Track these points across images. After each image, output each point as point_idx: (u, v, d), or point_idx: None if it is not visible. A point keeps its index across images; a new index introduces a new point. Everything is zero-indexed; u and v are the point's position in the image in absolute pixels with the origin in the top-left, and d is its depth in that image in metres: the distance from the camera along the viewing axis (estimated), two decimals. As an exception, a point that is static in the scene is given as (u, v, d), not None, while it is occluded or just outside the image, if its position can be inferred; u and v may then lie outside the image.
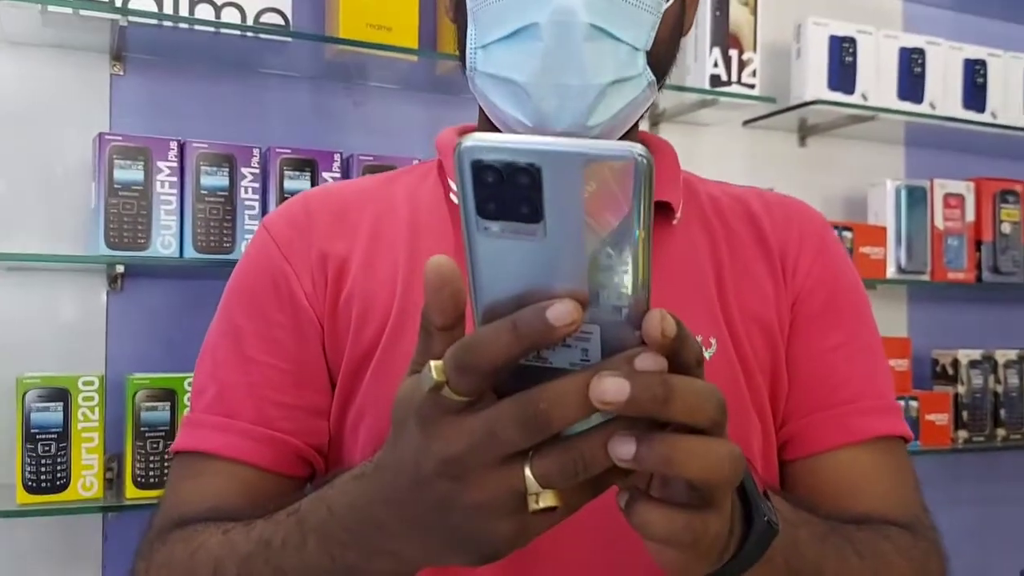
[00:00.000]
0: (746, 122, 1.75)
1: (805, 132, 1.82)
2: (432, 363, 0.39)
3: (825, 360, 0.75)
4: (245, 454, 0.68)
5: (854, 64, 1.68)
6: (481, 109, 0.75)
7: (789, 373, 0.74)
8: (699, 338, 0.66)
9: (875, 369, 0.77)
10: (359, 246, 0.71)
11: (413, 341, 0.62)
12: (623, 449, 0.37)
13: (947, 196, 1.76)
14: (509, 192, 0.36)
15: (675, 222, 0.74)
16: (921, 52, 1.74)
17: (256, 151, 1.26)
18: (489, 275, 0.39)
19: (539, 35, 0.63)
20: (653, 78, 0.67)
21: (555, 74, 0.63)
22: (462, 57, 0.70)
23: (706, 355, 0.69)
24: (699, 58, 1.60)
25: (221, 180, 1.23)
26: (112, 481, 1.22)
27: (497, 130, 0.70)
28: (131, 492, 1.18)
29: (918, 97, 1.74)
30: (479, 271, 0.39)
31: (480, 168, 0.36)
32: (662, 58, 0.68)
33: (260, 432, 0.68)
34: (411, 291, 0.69)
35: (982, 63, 1.80)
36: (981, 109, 1.80)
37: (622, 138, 0.69)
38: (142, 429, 1.19)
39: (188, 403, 0.77)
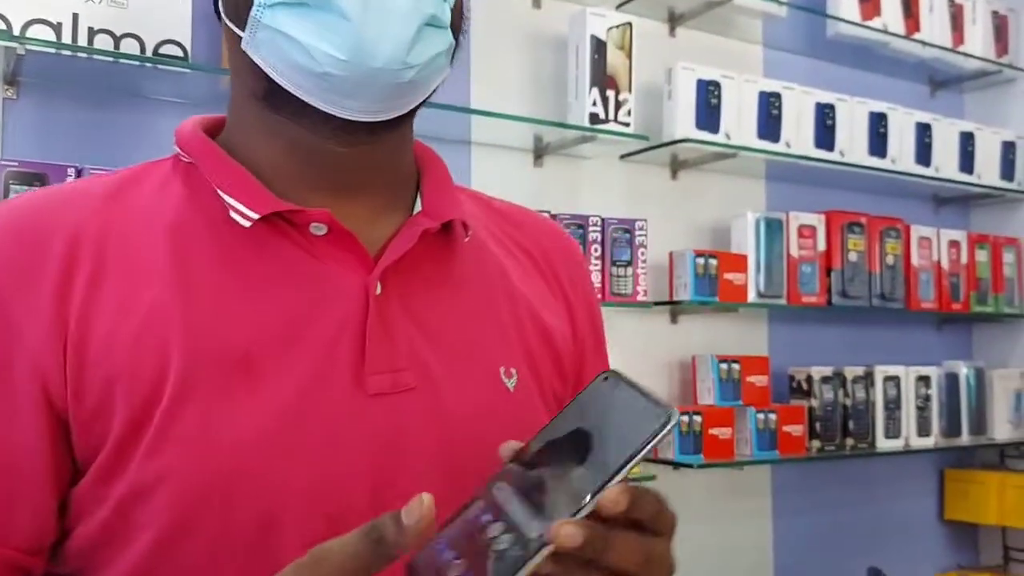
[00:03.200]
0: (623, 156, 1.88)
1: (676, 166, 1.96)
2: None
3: None
4: None
5: (719, 106, 1.83)
6: (238, 84, 0.65)
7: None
8: (502, 369, 0.67)
9: None
10: (108, 281, 0.59)
11: (203, 408, 0.56)
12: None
13: (801, 227, 1.94)
14: None
15: (467, 240, 0.69)
16: (778, 96, 1.91)
17: (154, 178, 1.30)
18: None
19: None
20: (453, 42, 0.64)
21: None
22: (233, 10, 0.62)
23: (509, 385, 0.67)
24: (579, 97, 1.72)
25: (119, 206, 1.26)
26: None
27: (283, 94, 0.61)
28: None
29: (775, 136, 1.91)
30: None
31: None
32: (455, 36, 0.65)
33: None
34: (194, 343, 0.58)
35: (831, 107, 1.99)
36: (831, 148, 1.99)
37: (402, 118, 0.64)
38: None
39: None
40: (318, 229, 0.62)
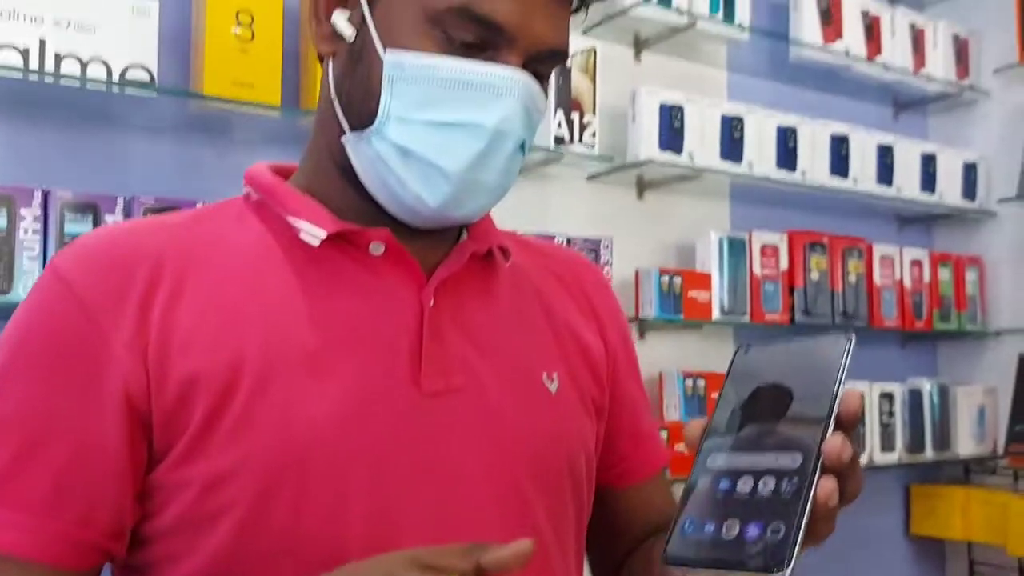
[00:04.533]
0: (590, 177, 1.92)
1: (643, 187, 2.00)
2: None
3: (633, 398, 0.86)
4: (37, 553, 0.61)
5: (681, 128, 1.87)
6: (321, 143, 0.73)
7: (611, 407, 0.83)
8: (544, 373, 0.75)
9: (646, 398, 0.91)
10: (189, 290, 0.66)
11: (279, 396, 0.63)
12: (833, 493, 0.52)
13: (763, 246, 1.98)
14: None
15: (508, 265, 0.77)
16: (740, 119, 1.95)
17: (120, 200, 1.32)
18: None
19: (481, 136, 0.66)
20: None
21: (482, 172, 0.67)
22: (346, 106, 0.69)
23: (551, 388, 0.75)
24: (545, 120, 1.75)
25: (85, 227, 1.28)
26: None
27: (358, 186, 0.70)
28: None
29: (738, 158, 1.95)
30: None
31: None
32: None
33: (54, 529, 0.61)
34: (267, 342, 0.65)
35: (793, 129, 2.03)
36: (792, 169, 2.03)
37: None
38: None
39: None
40: (377, 248, 0.70)
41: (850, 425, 0.55)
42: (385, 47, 0.67)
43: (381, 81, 0.67)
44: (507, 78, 0.66)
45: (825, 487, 0.51)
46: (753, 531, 0.52)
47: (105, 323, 0.63)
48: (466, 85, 0.66)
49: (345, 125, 0.70)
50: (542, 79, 0.70)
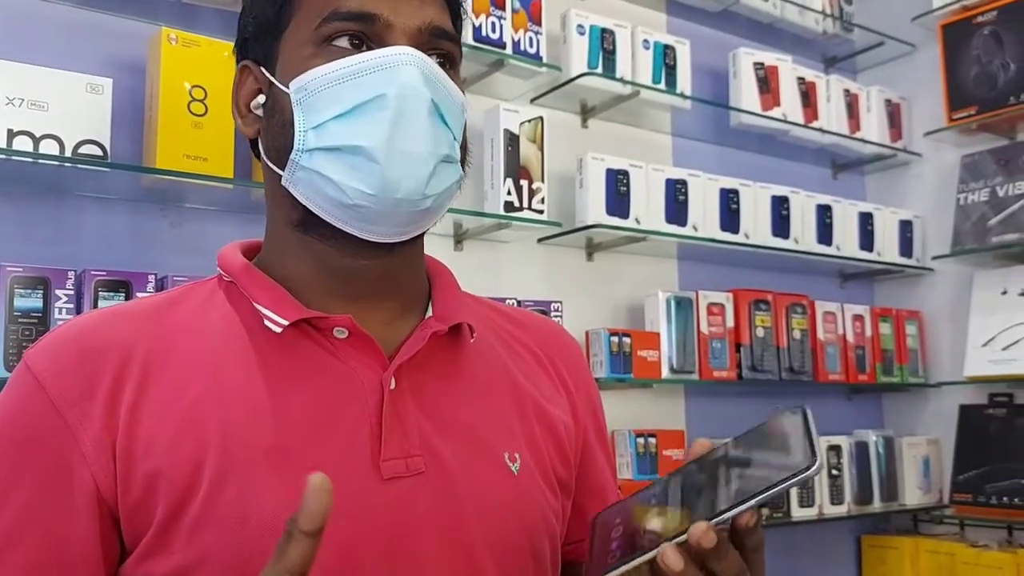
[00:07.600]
0: (540, 240, 1.96)
1: (592, 249, 2.05)
2: None
3: (601, 471, 0.87)
4: None
5: (628, 193, 1.93)
6: (275, 213, 0.75)
7: (578, 485, 0.83)
8: (506, 454, 0.75)
9: (615, 469, 0.93)
10: (152, 388, 0.67)
11: (237, 493, 0.63)
12: (676, 561, 0.55)
13: (710, 305, 2.03)
14: None
15: (472, 340, 0.78)
16: (684, 183, 2.02)
17: (71, 273, 1.33)
18: None
19: (386, 105, 0.69)
20: (462, 173, 0.76)
21: (402, 140, 0.69)
22: (275, 154, 0.72)
23: (514, 469, 0.75)
24: (495, 187, 1.80)
25: (35, 302, 1.29)
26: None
27: (316, 221, 0.72)
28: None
29: (683, 221, 2.01)
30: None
31: None
32: (462, 162, 0.77)
33: None
34: (228, 438, 0.66)
35: (735, 192, 2.10)
36: (736, 231, 2.10)
37: (416, 239, 0.76)
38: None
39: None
40: (340, 333, 0.72)
41: (742, 531, 0.58)
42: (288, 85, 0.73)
43: (293, 110, 0.72)
44: (397, 53, 0.70)
45: (664, 551, 0.56)
46: (616, 544, 0.59)
47: (73, 419, 0.65)
48: (361, 71, 0.70)
49: (279, 171, 0.73)
50: (448, 61, 0.75)
